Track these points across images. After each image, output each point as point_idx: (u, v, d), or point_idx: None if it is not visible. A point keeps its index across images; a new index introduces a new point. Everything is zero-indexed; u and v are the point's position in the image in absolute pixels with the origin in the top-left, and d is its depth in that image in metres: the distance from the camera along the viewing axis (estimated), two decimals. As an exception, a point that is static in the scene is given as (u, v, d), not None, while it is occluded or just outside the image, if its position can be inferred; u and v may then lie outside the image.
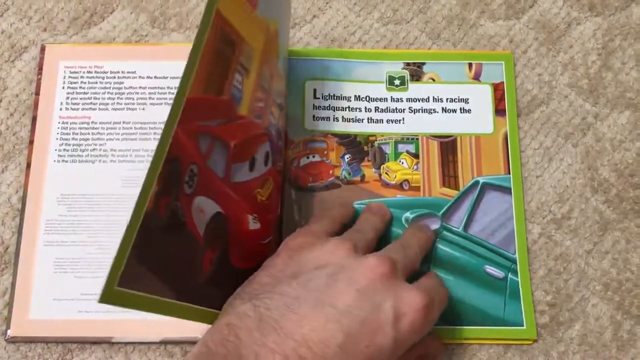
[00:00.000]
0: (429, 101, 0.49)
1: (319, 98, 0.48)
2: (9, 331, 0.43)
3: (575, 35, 0.51)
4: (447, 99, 0.49)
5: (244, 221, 0.38)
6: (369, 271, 0.34)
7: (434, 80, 0.49)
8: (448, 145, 0.48)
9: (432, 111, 0.48)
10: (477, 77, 0.49)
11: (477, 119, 0.48)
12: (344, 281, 0.34)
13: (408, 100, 0.49)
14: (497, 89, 0.49)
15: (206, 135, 0.33)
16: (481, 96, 0.49)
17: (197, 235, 0.34)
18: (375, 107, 0.48)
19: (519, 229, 0.46)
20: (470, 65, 0.49)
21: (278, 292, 0.33)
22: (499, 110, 0.49)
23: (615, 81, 0.50)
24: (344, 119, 0.48)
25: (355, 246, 0.37)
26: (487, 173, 0.47)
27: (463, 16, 0.51)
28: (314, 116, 0.48)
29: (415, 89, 0.49)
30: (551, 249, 0.46)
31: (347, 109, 0.48)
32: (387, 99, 0.49)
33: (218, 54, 0.33)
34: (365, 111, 0.48)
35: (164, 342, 0.43)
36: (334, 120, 0.48)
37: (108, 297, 0.28)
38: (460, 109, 0.49)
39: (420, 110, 0.48)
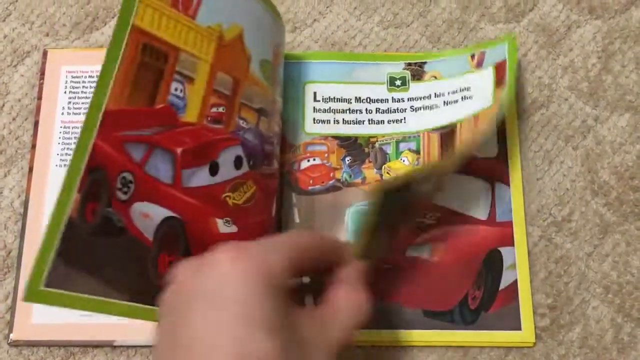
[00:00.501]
0: (430, 98, 0.49)
1: (319, 101, 0.49)
2: (11, 335, 0.43)
3: (575, 38, 0.51)
4: (448, 92, 0.48)
5: (210, 224, 0.38)
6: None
7: (435, 77, 0.49)
8: (448, 135, 0.48)
9: (433, 107, 0.48)
10: (479, 65, 0.49)
11: (477, 100, 0.47)
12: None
13: (409, 99, 0.49)
14: (499, 69, 0.47)
15: (138, 144, 0.36)
16: (483, 80, 0.48)
17: (143, 239, 0.36)
18: (376, 109, 0.49)
19: (519, 232, 0.46)
20: (472, 56, 0.49)
21: None
22: (499, 81, 0.47)
23: (615, 84, 0.50)
24: (344, 122, 0.48)
25: None
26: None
27: (463, 19, 0.51)
28: (314, 119, 0.48)
29: (416, 88, 0.49)
30: (551, 252, 0.46)
31: (348, 111, 0.48)
32: (388, 99, 0.49)
33: (142, 66, 0.36)
34: (366, 113, 0.48)
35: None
36: (334, 123, 0.48)
37: (32, 296, 0.32)
38: (462, 97, 0.48)
39: (422, 108, 0.48)
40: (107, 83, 0.35)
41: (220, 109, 0.40)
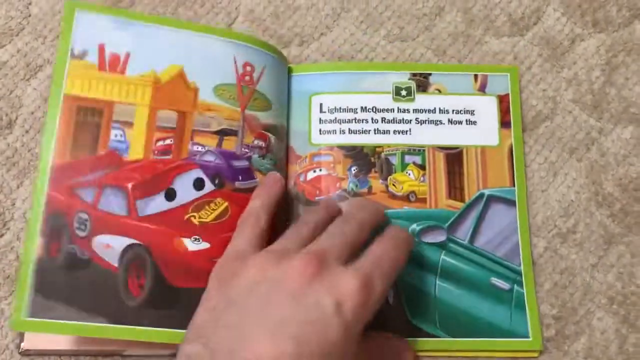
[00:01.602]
0: (435, 112, 0.49)
1: (325, 112, 0.49)
2: (22, 344, 0.44)
3: (579, 51, 0.52)
4: (453, 111, 0.49)
5: (176, 244, 0.42)
6: (296, 275, 0.34)
7: (440, 91, 0.50)
8: (454, 157, 0.48)
9: (438, 122, 0.49)
10: (482, 89, 0.50)
11: (482, 130, 0.49)
12: (277, 294, 0.34)
13: (415, 111, 0.49)
14: (503, 101, 0.50)
15: (88, 187, 0.42)
16: (487, 108, 0.49)
17: (109, 267, 0.41)
18: (382, 118, 0.49)
19: (524, 243, 0.46)
20: (475, 77, 0.50)
21: (221, 325, 0.34)
22: (505, 123, 0.49)
23: (619, 96, 0.50)
24: (350, 131, 0.49)
25: (280, 254, 0.36)
26: (492, 185, 0.48)
27: (468, 33, 0.52)
28: (320, 130, 0.49)
29: (421, 100, 0.50)
30: (557, 263, 0.47)
31: (354, 121, 0.49)
32: (393, 109, 0.49)
33: (80, 124, 0.43)
34: (372, 122, 0.49)
35: (174, 356, 0.44)
36: (340, 133, 0.49)
37: (19, 325, 0.40)
38: (467, 120, 0.49)
39: (427, 122, 0.49)
40: (50, 143, 0.42)
41: (168, 141, 0.44)
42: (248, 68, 0.47)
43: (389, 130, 0.49)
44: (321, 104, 0.49)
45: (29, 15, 0.51)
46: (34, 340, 0.44)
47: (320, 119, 0.49)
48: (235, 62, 0.47)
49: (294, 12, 0.52)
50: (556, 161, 0.49)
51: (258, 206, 0.42)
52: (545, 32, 0.52)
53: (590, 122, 0.50)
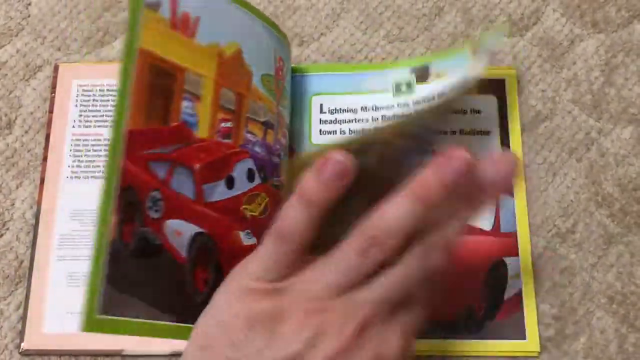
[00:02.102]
0: (434, 99, 0.49)
1: (325, 112, 0.49)
2: (22, 344, 0.44)
3: (578, 51, 0.52)
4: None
5: (235, 238, 0.39)
6: (342, 340, 0.29)
7: (439, 76, 0.49)
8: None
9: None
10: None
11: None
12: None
13: (414, 103, 0.49)
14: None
15: (161, 162, 0.37)
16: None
17: (177, 256, 0.37)
18: (382, 116, 0.49)
19: (523, 243, 0.47)
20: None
21: None
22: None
23: (618, 97, 0.50)
24: (350, 132, 0.49)
25: (318, 305, 0.30)
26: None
27: (468, 33, 0.52)
28: (320, 130, 0.49)
29: (421, 90, 0.49)
30: (556, 263, 0.47)
31: (354, 121, 0.49)
32: (393, 105, 0.49)
33: (153, 87, 0.37)
34: (372, 121, 0.49)
35: (175, 354, 0.44)
36: (340, 133, 0.49)
37: (90, 325, 0.33)
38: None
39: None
40: (125, 104, 0.36)
41: (229, 124, 0.41)
42: (280, 63, 0.46)
43: None
44: (321, 105, 0.49)
45: (29, 16, 0.52)
46: (34, 340, 0.44)
47: (320, 120, 0.49)
48: (274, 53, 0.45)
49: (294, 12, 0.52)
50: (555, 161, 0.49)
51: None
52: (544, 33, 0.52)
53: (590, 122, 0.50)
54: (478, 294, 0.46)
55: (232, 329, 0.30)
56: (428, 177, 0.29)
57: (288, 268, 0.31)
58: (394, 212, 0.29)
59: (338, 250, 0.30)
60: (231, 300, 0.31)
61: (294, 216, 0.30)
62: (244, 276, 0.32)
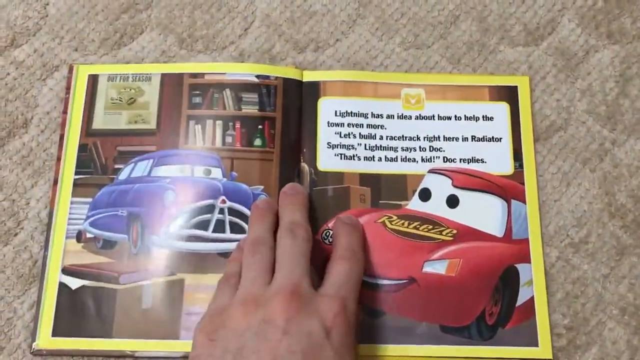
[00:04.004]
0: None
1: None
2: (34, 344, 0.44)
3: (593, 62, 0.52)
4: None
5: None
6: (281, 313, 0.36)
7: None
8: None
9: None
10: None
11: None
12: (269, 333, 0.36)
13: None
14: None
15: None
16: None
17: None
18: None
19: (535, 250, 0.47)
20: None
21: None
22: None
23: (633, 108, 0.51)
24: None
25: (256, 299, 0.38)
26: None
27: (483, 42, 0.52)
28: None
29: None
30: (569, 273, 0.47)
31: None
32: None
33: None
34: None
35: (186, 357, 0.44)
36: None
37: None
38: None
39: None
40: None
41: None
42: None
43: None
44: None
45: (47, 16, 0.52)
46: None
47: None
48: None
49: (310, 18, 0.53)
50: (569, 171, 0.49)
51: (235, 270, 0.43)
52: (559, 43, 0.52)
53: (604, 133, 0.50)
54: (490, 300, 0.46)
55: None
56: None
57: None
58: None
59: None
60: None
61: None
62: None
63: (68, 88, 0.49)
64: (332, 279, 0.40)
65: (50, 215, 0.46)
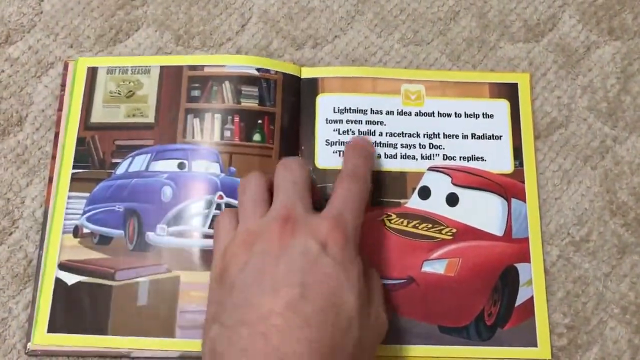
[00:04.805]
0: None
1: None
2: (29, 344, 0.43)
3: (594, 58, 0.51)
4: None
5: None
6: (277, 237, 0.37)
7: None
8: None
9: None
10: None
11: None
12: (268, 259, 0.36)
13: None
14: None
15: None
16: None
17: None
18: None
19: (535, 249, 0.46)
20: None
21: (229, 306, 0.36)
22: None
23: (634, 105, 0.50)
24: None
25: (252, 230, 0.38)
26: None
27: (483, 38, 0.52)
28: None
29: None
30: (569, 272, 0.46)
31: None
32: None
33: None
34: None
35: (183, 358, 0.43)
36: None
37: None
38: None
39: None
40: None
41: None
42: None
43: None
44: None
45: (41, 12, 0.51)
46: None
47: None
48: None
49: (308, 14, 0.52)
50: (570, 169, 0.49)
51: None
52: (560, 39, 0.52)
53: (605, 130, 0.50)
54: (489, 300, 0.45)
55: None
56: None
57: None
58: None
59: None
60: None
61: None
62: None
63: (63, 85, 0.49)
64: (330, 202, 0.40)
65: (45, 213, 0.46)
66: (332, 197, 0.40)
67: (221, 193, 0.46)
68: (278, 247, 0.36)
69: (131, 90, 0.49)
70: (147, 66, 0.49)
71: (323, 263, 0.36)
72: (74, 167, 0.47)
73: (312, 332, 0.33)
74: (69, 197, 0.46)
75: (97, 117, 0.48)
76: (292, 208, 0.38)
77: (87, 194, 0.47)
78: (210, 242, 0.45)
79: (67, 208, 0.46)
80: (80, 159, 0.47)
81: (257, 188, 0.41)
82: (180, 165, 0.47)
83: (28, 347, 0.43)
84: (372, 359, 0.39)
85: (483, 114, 0.50)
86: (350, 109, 0.49)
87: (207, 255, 0.45)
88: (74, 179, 0.47)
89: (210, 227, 0.46)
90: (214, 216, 0.46)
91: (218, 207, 0.46)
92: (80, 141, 0.48)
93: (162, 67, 0.49)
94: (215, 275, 0.39)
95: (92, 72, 0.49)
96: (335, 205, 0.40)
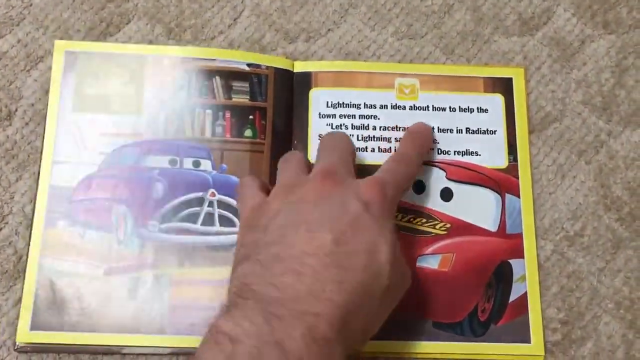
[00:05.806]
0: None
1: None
2: (17, 340, 0.43)
3: (589, 52, 0.51)
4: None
5: None
6: (316, 190, 0.38)
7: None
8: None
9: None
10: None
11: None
12: (304, 206, 0.37)
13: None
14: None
15: None
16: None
17: None
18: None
19: (529, 245, 0.46)
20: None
21: (263, 244, 0.36)
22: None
23: (629, 99, 0.50)
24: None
25: (291, 184, 0.39)
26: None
27: (477, 32, 0.51)
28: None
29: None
30: (564, 266, 0.46)
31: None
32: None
33: None
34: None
35: (175, 354, 0.43)
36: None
37: None
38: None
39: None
40: None
41: None
42: None
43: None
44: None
45: (30, 5, 0.50)
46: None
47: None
48: None
49: (301, 7, 0.51)
50: (564, 163, 0.48)
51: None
52: (555, 33, 0.51)
53: (600, 124, 0.49)
54: (482, 296, 0.45)
55: None
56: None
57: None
58: None
59: None
60: None
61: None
62: None
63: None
64: (381, 169, 0.42)
65: (33, 209, 0.45)
66: (383, 166, 0.42)
67: (213, 190, 0.46)
68: (316, 195, 0.37)
69: (120, 81, 0.48)
70: (137, 55, 0.48)
71: (360, 215, 0.36)
72: (59, 160, 0.46)
73: (343, 274, 0.34)
74: (52, 189, 0.46)
75: (84, 108, 0.47)
76: (334, 168, 0.39)
77: (71, 186, 0.46)
78: (202, 239, 0.45)
79: (49, 201, 0.45)
80: (65, 150, 0.46)
81: (299, 162, 0.43)
82: (172, 162, 0.47)
83: (17, 344, 0.43)
84: (392, 309, 0.39)
85: (477, 109, 0.49)
86: (343, 103, 0.49)
87: (199, 252, 0.45)
88: (58, 171, 0.46)
89: (203, 224, 0.45)
90: (207, 213, 0.46)
91: (210, 204, 0.46)
92: (66, 132, 0.47)
93: (153, 58, 0.49)
94: (247, 221, 0.39)
95: (79, 61, 0.48)
96: (377, 174, 0.41)
